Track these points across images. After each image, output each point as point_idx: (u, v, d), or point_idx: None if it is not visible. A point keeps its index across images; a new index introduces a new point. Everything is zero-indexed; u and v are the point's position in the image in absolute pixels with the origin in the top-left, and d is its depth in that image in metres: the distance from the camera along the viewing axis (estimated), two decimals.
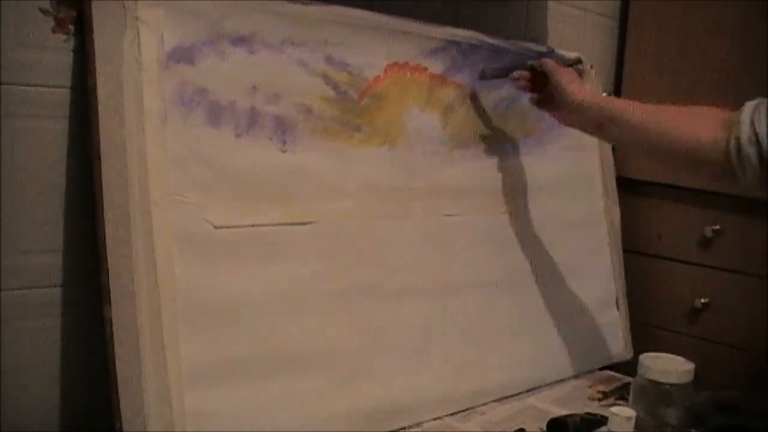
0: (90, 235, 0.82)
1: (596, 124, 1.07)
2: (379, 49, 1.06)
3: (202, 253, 0.87)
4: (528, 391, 1.20)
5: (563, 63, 1.16)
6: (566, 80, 1.09)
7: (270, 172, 0.94)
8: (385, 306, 1.04)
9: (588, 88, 1.11)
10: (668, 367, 0.95)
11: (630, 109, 1.04)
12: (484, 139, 1.20)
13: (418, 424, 1.05)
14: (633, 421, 0.87)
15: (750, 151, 0.90)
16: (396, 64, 1.08)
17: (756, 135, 0.89)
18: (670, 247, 1.47)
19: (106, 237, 0.80)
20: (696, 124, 0.97)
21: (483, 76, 1.18)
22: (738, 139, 0.91)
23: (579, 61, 1.22)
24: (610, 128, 1.05)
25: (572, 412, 1.11)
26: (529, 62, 1.16)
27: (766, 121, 0.89)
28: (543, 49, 1.32)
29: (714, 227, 1.40)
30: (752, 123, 0.90)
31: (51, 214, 0.86)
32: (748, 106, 0.93)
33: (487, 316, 1.17)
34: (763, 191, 0.94)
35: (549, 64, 1.13)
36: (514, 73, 1.17)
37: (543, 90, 1.15)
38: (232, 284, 0.89)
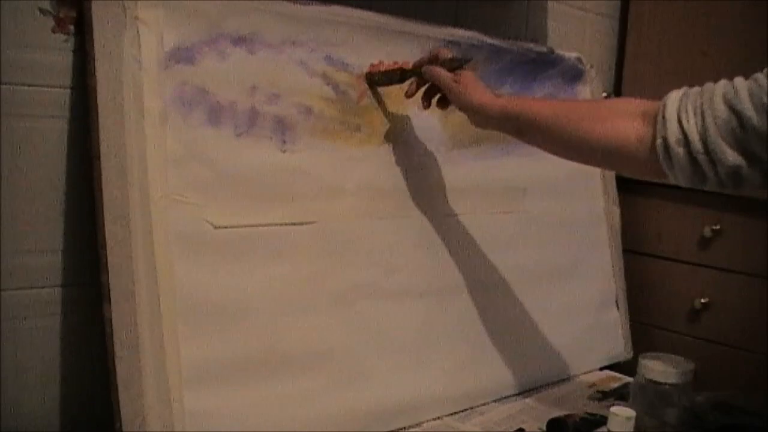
0: (90, 235, 0.82)
1: (513, 129, 0.98)
2: (379, 49, 1.06)
3: (202, 253, 0.87)
4: (528, 391, 1.20)
5: (450, 65, 1.01)
6: (465, 96, 0.99)
7: (270, 172, 0.94)
8: (384, 306, 1.04)
9: (490, 97, 0.98)
10: (668, 367, 0.95)
11: (542, 112, 0.95)
12: (484, 139, 1.20)
13: (418, 424, 1.05)
14: (633, 421, 0.87)
15: (679, 151, 0.83)
16: (396, 64, 1.08)
17: (684, 134, 0.83)
18: (670, 247, 1.47)
19: (106, 237, 0.80)
20: (617, 122, 0.90)
21: (369, 82, 1.05)
22: (665, 138, 0.84)
23: (466, 60, 1.02)
24: (527, 136, 0.97)
25: (572, 412, 1.11)
26: (418, 66, 1.03)
27: (695, 119, 0.83)
28: (543, 49, 1.32)
29: (714, 227, 1.40)
30: (679, 121, 0.84)
31: (51, 214, 0.86)
32: (672, 99, 0.86)
33: (487, 316, 1.17)
34: (694, 186, 0.87)
35: (441, 76, 1.00)
36: (405, 83, 1.04)
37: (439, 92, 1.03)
38: (232, 284, 0.89)
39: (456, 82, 1.00)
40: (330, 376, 0.97)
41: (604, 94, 1.49)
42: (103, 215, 0.80)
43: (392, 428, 1.02)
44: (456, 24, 1.17)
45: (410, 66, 1.04)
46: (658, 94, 1.50)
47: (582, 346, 1.32)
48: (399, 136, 1.08)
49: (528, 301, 1.24)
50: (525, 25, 1.39)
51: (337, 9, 1.01)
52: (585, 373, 1.31)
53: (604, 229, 1.42)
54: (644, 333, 1.46)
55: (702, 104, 0.82)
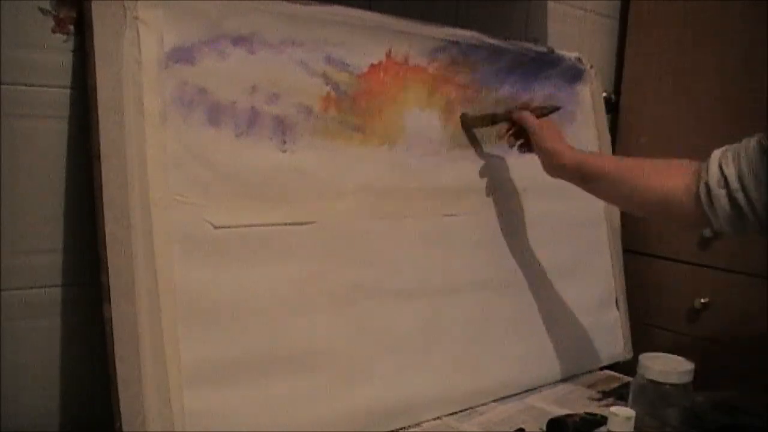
0: (90, 235, 0.82)
1: (579, 178, 1.09)
2: (379, 49, 1.06)
3: (202, 253, 0.87)
4: (528, 391, 1.20)
5: (540, 112, 1.14)
6: (547, 141, 1.10)
7: (270, 172, 0.94)
8: (384, 306, 1.04)
9: (567, 147, 1.11)
10: (668, 367, 0.95)
11: (606, 167, 1.07)
12: (484, 139, 1.20)
13: (417, 424, 1.05)
14: (633, 421, 0.87)
15: (719, 192, 0.93)
16: (396, 63, 1.08)
17: (724, 177, 0.93)
18: (670, 247, 1.47)
19: (106, 237, 0.80)
20: (669, 175, 1.01)
21: (464, 124, 1.17)
22: (707, 183, 0.94)
23: (555, 108, 1.16)
24: (591, 183, 1.08)
25: (572, 412, 1.11)
26: (509, 112, 1.16)
27: (733, 164, 0.93)
28: (543, 49, 1.32)
29: None
30: (720, 167, 0.94)
31: (51, 214, 0.86)
32: (715, 153, 0.96)
33: (487, 316, 1.17)
34: (737, 233, 0.96)
35: (528, 120, 1.13)
36: (497, 126, 1.18)
37: (526, 136, 1.15)
38: (231, 284, 0.89)
39: (540, 127, 1.11)
40: (330, 376, 0.97)
41: (604, 95, 1.48)
42: (103, 215, 0.80)
43: (392, 428, 1.02)
44: (456, 24, 1.17)
45: (501, 111, 1.17)
46: (658, 94, 1.51)
47: (582, 346, 1.32)
48: (399, 136, 1.08)
49: (528, 301, 1.24)
50: (525, 25, 1.39)
51: (337, 9, 1.01)
52: (585, 373, 1.31)
53: (604, 229, 1.42)
54: (644, 333, 1.46)
55: (739, 150, 0.94)
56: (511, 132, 1.16)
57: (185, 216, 0.86)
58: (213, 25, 0.89)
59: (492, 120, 1.17)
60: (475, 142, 1.19)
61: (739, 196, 0.92)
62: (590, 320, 1.35)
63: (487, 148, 1.21)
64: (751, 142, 0.93)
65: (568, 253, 1.32)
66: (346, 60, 1.02)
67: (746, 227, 0.95)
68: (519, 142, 1.16)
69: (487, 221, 1.20)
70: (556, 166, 1.10)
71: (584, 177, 1.08)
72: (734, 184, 0.92)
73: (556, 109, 1.16)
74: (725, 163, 0.94)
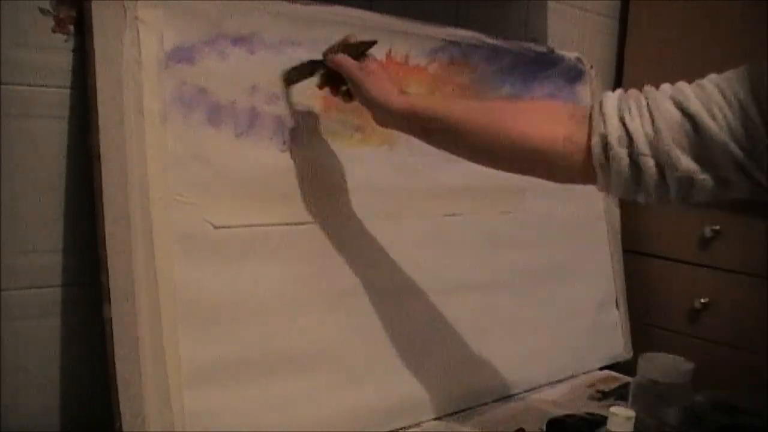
0: (90, 235, 0.82)
1: (419, 129, 0.89)
2: (379, 49, 1.06)
3: (202, 253, 0.87)
4: (528, 391, 1.20)
5: (356, 51, 0.92)
6: (369, 85, 0.89)
7: (270, 172, 0.94)
8: (384, 306, 1.04)
9: (396, 90, 0.89)
10: (668, 367, 0.95)
11: (453, 109, 0.87)
12: None
13: (417, 424, 1.05)
14: (633, 421, 0.87)
15: (620, 151, 0.77)
16: (396, 63, 1.08)
17: (628, 133, 0.77)
18: (670, 247, 1.47)
19: (106, 237, 0.80)
20: (541, 121, 0.83)
21: (285, 81, 0.96)
22: (605, 137, 0.78)
23: (372, 42, 0.93)
24: (437, 136, 0.89)
25: (572, 412, 1.11)
26: (321, 59, 0.95)
27: (641, 120, 0.77)
28: (543, 49, 1.32)
29: (714, 227, 1.40)
30: (621, 119, 0.77)
31: (51, 214, 0.86)
32: (610, 98, 0.80)
33: (487, 316, 1.17)
34: (625, 196, 0.81)
35: (344, 64, 0.91)
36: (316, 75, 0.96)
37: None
38: (231, 284, 0.89)
39: (360, 70, 0.90)
40: (330, 376, 0.97)
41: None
42: (103, 215, 0.80)
43: (392, 428, 1.02)
44: (456, 24, 1.17)
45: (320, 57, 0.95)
46: None
47: (582, 346, 1.32)
48: (399, 136, 1.08)
49: (528, 301, 1.24)
50: (525, 25, 1.39)
51: (337, 9, 1.01)
52: (585, 373, 1.31)
53: (604, 229, 1.42)
54: (644, 333, 1.46)
55: (648, 105, 0.77)
56: (326, 81, 0.95)
57: (185, 216, 0.86)
58: (213, 25, 0.90)
59: (311, 69, 0.96)
60: (293, 103, 0.98)
61: (645, 160, 0.76)
62: (590, 320, 1.35)
63: None
64: (664, 102, 0.77)
65: (568, 253, 1.32)
66: None
67: (639, 191, 0.79)
68: (344, 89, 0.94)
69: (487, 221, 1.20)
70: (384, 118, 0.91)
71: (424, 127, 0.88)
72: (641, 146, 0.76)
73: (373, 43, 0.93)
74: (628, 115, 0.77)
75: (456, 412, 1.10)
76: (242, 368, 0.89)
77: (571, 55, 1.37)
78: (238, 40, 0.92)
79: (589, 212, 1.39)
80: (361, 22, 1.03)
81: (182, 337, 0.83)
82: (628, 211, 1.47)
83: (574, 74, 1.38)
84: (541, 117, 0.84)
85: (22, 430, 0.86)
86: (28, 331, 0.85)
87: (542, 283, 1.26)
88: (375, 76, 0.90)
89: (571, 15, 1.49)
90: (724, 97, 0.75)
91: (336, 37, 0.98)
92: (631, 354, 1.40)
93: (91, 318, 0.84)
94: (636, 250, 1.50)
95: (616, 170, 0.78)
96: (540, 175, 0.87)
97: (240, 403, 0.88)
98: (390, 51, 1.07)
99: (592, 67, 1.42)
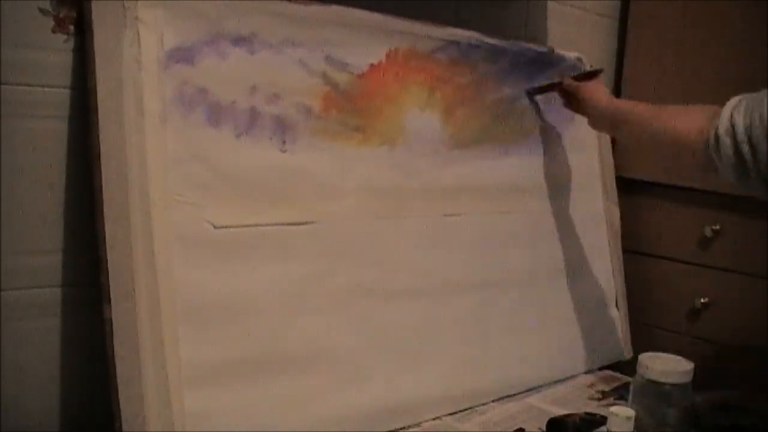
0: (90, 235, 0.82)
1: (611, 124, 1.18)
2: (379, 49, 1.06)
3: (202, 253, 0.87)
4: (528, 391, 1.20)
5: (582, 77, 1.26)
6: (588, 95, 1.19)
7: (270, 172, 0.94)
8: (385, 306, 1.04)
9: (606, 96, 1.20)
10: (668, 367, 0.95)
11: (635, 110, 1.13)
12: (484, 139, 1.20)
13: (417, 424, 1.05)
14: (633, 421, 0.87)
15: (726, 141, 0.95)
16: (396, 64, 1.08)
17: (732, 127, 0.95)
18: (670, 247, 1.47)
19: (106, 237, 0.80)
20: (688, 119, 1.03)
21: (528, 95, 1.28)
22: (716, 129, 0.96)
23: (599, 71, 1.27)
24: (621, 128, 1.16)
25: (572, 412, 1.11)
26: (558, 82, 1.26)
27: (745, 114, 0.94)
28: (543, 49, 1.32)
29: (714, 227, 1.40)
30: (731, 116, 0.95)
31: (51, 214, 0.86)
32: (732, 101, 0.98)
33: (487, 315, 1.17)
34: (740, 184, 0.98)
35: (569, 83, 1.23)
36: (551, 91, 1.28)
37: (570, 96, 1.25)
38: (231, 284, 0.89)
39: (581, 86, 1.21)
40: (330, 376, 0.97)
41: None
42: (103, 216, 0.80)
43: (392, 428, 1.02)
44: (456, 24, 1.17)
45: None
46: (658, 94, 1.50)
47: (582, 346, 1.32)
48: (399, 136, 1.08)
49: (528, 302, 1.24)
50: (525, 25, 1.39)
51: (337, 9, 1.01)
52: (585, 373, 1.31)
53: (604, 229, 1.42)
54: (644, 333, 1.46)
55: (754, 102, 0.94)
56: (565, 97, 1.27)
57: (185, 216, 0.86)
58: (213, 25, 0.89)
59: (549, 88, 1.28)
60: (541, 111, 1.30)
61: (744, 148, 0.93)
62: (590, 320, 1.35)
63: (488, 148, 1.21)
64: (766, 96, 0.94)
65: (568, 253, 1.32)
66: (346, 60, 1.02)
67: (749, 181, 0.96)
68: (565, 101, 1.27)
69: (487, 221, 1.20)
70: (594, 112, 1.19)
71: (618, 120, 1.15)
72: (741, 135, 0.94)
73: (599, 71, 1.27)
74: (737, 111, 0.95)
75: (456, 412, 1.10)
76: (242, 368, 0.89)
77: (571, 55, 1.37)
78: (238, 40, 0.92)
79: (589, 212, 1.39)
80: (361, 22, 1.03)
81: (182, 337, 0.83)
82: (628, 211, 1.47)
83: (574, 74, 1.37)
84: (690, 115, 1.04)
85: (22, 430, 0.86)
86: (28, 331, 0.85)
87: (542, 283, 1.26)
88: (591, 89, 1.21)
89: (571, 15, 1.48)
90: None
91: (336, 37, 0.98)
92: (631, 354, 1.40)
93: (91, 318, 0.84)
94: (636, 250, 1.50)
95: (725, 157, 0.96)
96: (680, 160, 1.22)
97: (240, 403, 0.88)
98: (390, 51, 1.07)
99: (592, 67, 1.41)
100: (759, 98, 0.95)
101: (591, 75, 1.26)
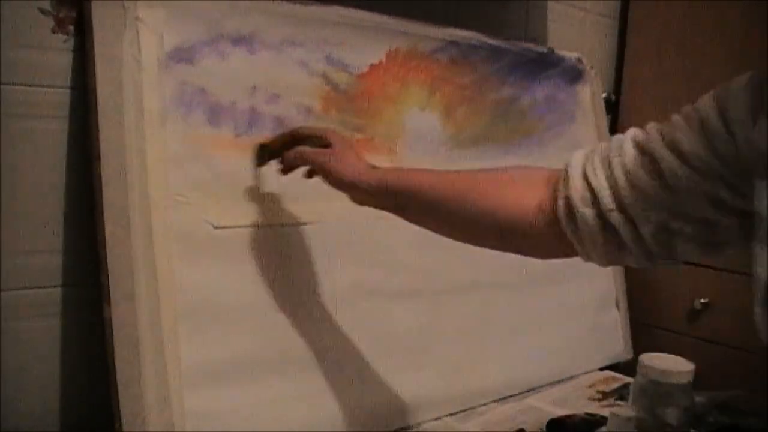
0: (90, 235, 0.82)
1: (393, 205, 0.83)
2: (379, 49, 1.06)
3: (202, 253, 0.87)
4: (528, 391, 1.20)
5: (320, 142, 0.87)
6: (334, 168, 0.84)
7: (270, 173, 0.94)
8: (384, 306, 1.04)
9: (362, 164, 0.84)
10: (668, 367, 0.95)
11: (423, 182, 0.79)
12: (484, 139, 1.20)
13: (418, 424, 1.05)
14: (633, 421, 0.87)
15: (585, 212, 0.68)
16: (396, 64, 1.08)
17: (592, 191, 0.68)
18: None
19: (106, 237, 0.80)
20: (514, 189, 0.75)
21: (260, 160, 0.92)
22: (568, 198, 0.69)
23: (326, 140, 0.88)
24: (409, 211, 0.82)
25: (572, 412, 1.11)
26: (281, 135, 0.92)
27: (604, 172, 0.68)
28: (543, 49, 1.32)
29: None
30: (585, 177, 0.69)
31: (51, 214, 0.86)
32: (577, 156, 0.72)
33: (487, 316, 1.17)
34: (611, 263, 0.73)
35: (301, 156, 0.88)
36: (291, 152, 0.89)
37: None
38: (232, 284, 0.89)
39: (323, 156, 0.85)
40: (330, 376, 0.97)
41: (604, 95, 1.48)
42: (103, 215, 0.80)
43: (392, 428, 1.02)
44: (456, 24, 1.17)
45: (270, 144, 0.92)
46: (659, 94, 1.50)
47: (582, 346, 1.32)
48: (399, 137, 1.08)
49: (528, 301, 1.24)
50: (525, 25, 1.38)
51: (337, 9, 1.01)
52: (585, 373, 1.31)
53: None
54: (644, 333, 1.46)
55: (610, 153, 0.69)
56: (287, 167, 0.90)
57: (185, 216, 0.86)
58: (213, 25, 0.90)
59: (269, 155, 0.92)
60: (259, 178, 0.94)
61: (615, 218, 0.67)
62: (590, 320, 1.35)
63: (488, 148, 1.21)
64: (624, 145, 0.68)
65: None
66: (346, 60, 1.02)
67: (624, 256, 0.70)
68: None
69: None
70: (357, 193, 0.84)
71: (397, 205, 0.82)
72: (606, 199, 0.67)
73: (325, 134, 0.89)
74: (591, 171, 0.69)
75: (456, 412, 1.10)
76: (242, 368, 0.89)
77: (571, 55, 1.37)
78: (238, 40, 0.92)
79: None
80: (361, 22, 1.04)
81: (182, 337, 0.83)
82: None
83: (574, 74, 1.38)
84: (515, 186, 0.75)
85: (22, 430, 0.86)
86: (28, 331, 0.85)
87: (542, 283, 1.26)
88: (339, 155, 0.84)
89: (571, 15, 1.48)
90: (688, 121, 0.65)
91: (336, 37, 0.98)
92: (632, 354, 1.40)
93: (91, 318, 0.84)
94: None
95: (587, 233, 0.69)
96: (520, 250, 0.78)
97: (240, 403, 0.88)
98: (390, 51, 1.07)
99: (592, 67, 1.41)
100: (614, 146, 0.69)
101: (320, 142, 0.88)
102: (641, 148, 0.67)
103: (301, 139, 0.90)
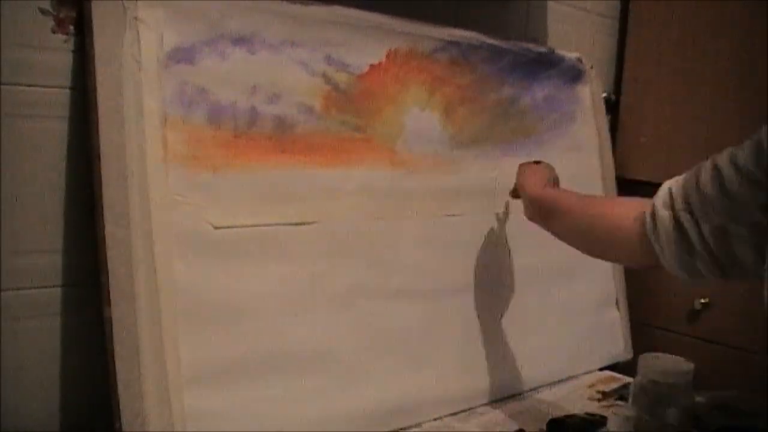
0: (90, 235, 0.82)
1: (539, 214, 1.03)
2: (379, 49, 1.06)
3: (202, 253, 0.87)
4: (528, 391, 1.20)
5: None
6: (522, 176, 1.08)
7: (270, 173, 0.94)
8: (385, 306, 1.04)
9: (539, 182, 1.05)
10: (668, 367, 0.95)
11: (563, 198, 1.00)
12: (484, 139, 1.20)
13: (417, 424, 1.05)
14: (633, 421, 0.87)
15: (663, 213, 0.80)
16: (396, 64, 1.08)
17: (671, 197, 0.80)
18: None
19: (106, 237, 0.80)
20: (623, 207, 0.90)
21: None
22: (653, 206, 0.82)
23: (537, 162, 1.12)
24: (551, 219, 1.00)
25: (572, 412, 1.11)
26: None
27: (681, 187, 0.80)
28: (543, 49, 1.32)
29: None
30: (669, 189, 0.82)
31: (51, 214, 0.86)
32: (672, 179, 0.84)
33: (487, 316, 1.17)
34: (687, 271, 0.81)
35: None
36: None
37: None
38: (232, 284, 0.89)
39: (521, 175, 1.09)
40: (330, 376, 0.97)
41: (604, 95, 1.48)
42: (103, 215, 0.80)
43: (392, 428, 1.02)
44: (456, 24, 1.17)
45: None
46: (658, 94, 1.50)
47: (582, 346, 1.32)
48: (399, 136, 1.08)
49: (528, 302, 1.24)
50: (525, 25, 1.38)
51: (337, 9, 1.01)
52: (585, 373, 1.31)
53: None
54: (644, 333, 1.46)
55: (694, 172, 0.80)
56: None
57: (185, 216, 0.86)
58: (213, 25, 0.90)
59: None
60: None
61: (684, 217, 0.78)
62: (590, 320, 1.35)
63: (488, 148, 1.21)
64: (706, 162, 0.79)
65: (569, 253, 1.31)
66: (346, 60, 1.02)
67: (692, 255, 0.79)
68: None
69: (487, 221, 1.20)
70: (528, 208, 1.05)
71: (548, 210, 1.00)
72: (679, 204, 0.79)
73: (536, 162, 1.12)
74: (675, 183, 0.82)
75: (456, 413, 1.10)
76: (242, 368, 0.89)
77: (571, 55, 1.37)
78: (238, 40, 0.92)
79: None
80: (361, 22, 1.04)
81: (182, 337, 0.83)
82: None
83: (574, 74, 1.38)
84: (624, 203, 0.92)
85: (22, 430, 0.86)
86: (28, 331, 0.85)
87: (542, 283, 1.26)
88: (528, 174, 1.08)
89: (571, 15, 1.48)
90: (750, 142, 0.75)
91: (336, 37, 0.98)
92: (631, 354, 1.40)
93: (91, 318, 0.84)
94: None
95: (663, 232, 0.80)
96: (618, 258, 1.04)
97: (240, 403, 0.88)
98: (390, 51, 1.07)
99: (592, 67, 1.42)
100: (700, 166, 0.80)
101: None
102: (713, 164, 0.77)
103: None
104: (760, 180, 0.73)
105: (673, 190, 0.80)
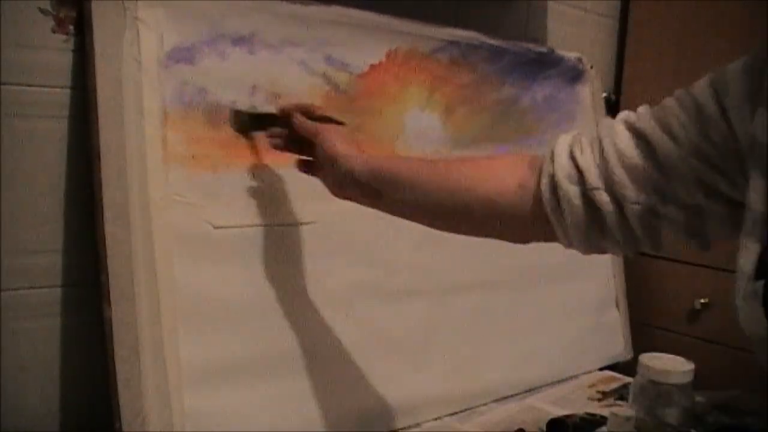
0: (90, 235, 0.82)
1: (372, 192, 0.81)
2: (379, 49, 1.06)
3: (201, 253, 0.87)
4: (528, 391, 1.20)
5: (320, 119, 0.88)
6: (333, 143, 0.83)
7: (270, 172, 0.94)
8: (385, 306, 1.04)
9: (354, 143, 0.85)
10: (668, 367, 0.95)
11: (402, 164, 0.81)
12: (484, 139, 1.20)
13: (417, 424, 1.05)
14: (633, 421, 0.87)
15: (569, 189, 0.67)
16: (396, 63, 1.08)
17: (578, 169, 0.67)
18: None
19: (106, 237, 0.80)
20: (495, 169, 0.74)
21: (236, 124, 0.91)
22: (553, 176, 0.68)
23: (339, 123, 0.90)
24: (388, 193, 0.79)
25: (572, 412, 1.11)
26: (280, 110, 0.90)
27: (591, 151, 0.67)
28: (543, 49, 1.32)
29: None
30: (572, 157, 0.68)
31: (51, 214, 0.86)
32: (562, 139, 0.71)
33: (487, 316, 1.17)
34: (589, 249, 0.71)
35: (307, 127, 0.86)
36: (272, 129, 0.90)
37: (311, 152, 0.87)
38: (231, 284, 0.89)
39: (321, 127, 0.86)
40: (330, 376, 0.97)
41: (604, 95, 1.48)
42: (102, 215, 0.80)
43: (392, 428, 1.02)
44: (456, 24, 1.17)
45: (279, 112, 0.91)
46: (659, 94, 1.49)
47: (582, 346, 1.32)
48: (399, 137, 1.08)
49: (528, 302, 1.24)
50: (525, 25, 1.38)
51: (337, 9, 1.01)
52: (585, 373, 1.31)
53: None
54: (644, 333, 1.46)
55: (600, 133, 0.68)
56: (285, 138, 0.89)
57: (185, 216, 0.86)
58: (213, 25, 0.90)
59: (268, 122, 0.91)
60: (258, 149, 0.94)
61: (601, 197, 0.66)
62: (590, 320, 1.35)
63: (488, 148, 1.21)
64: (615, 126, 0.67)
65: (569, 253, 1.32)
66: (346, 60, 1.02)
67: (604, 235, 0.68)
68: (302, 160, 0.90)
69: None
70: (342, 178, 0.82)
71: (383, 185, 0.79)
72: (593, 178, 0.66)
73: (341, 123, 0.90)
74: (578, 151, 0.68)
75: (456, 412, 1.10)
76: (242, 368, 0.89)
77: (571, 55, 1.37)
78: (238, 40, 0.92)
79: None
80: (361, 22, 1.04)
81: (182, 337, 0.83)
82: None
83: (574, 74, 1.38)
84: (496, 166, 0.75)
85: (23, 430, 0.86)
86: (28, 331, 0.85)
87: (542, 283, 1.26)
88: (334, 130, 0.86)
89: (571, 15, 1.48)
90: (682, 105, 0.64)
91: (336, 37, 0.98)
92: (631, 354, 1.40)
93: (91, 318, 0.84)
94: None
95: (569, 212, 0.67)
96: (499, 234, 0.76)
97: (240, 403, 0.88)
98: (390, 51, 1.07)
99: (592, 67, 1.41)
100: (604, 128, 0.68)
101: (333, 121, 0.89)
102: (634, 130, 0.66)
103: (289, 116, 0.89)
104: (704, 152, 0.62)
105: (580, 162, 0.67)
